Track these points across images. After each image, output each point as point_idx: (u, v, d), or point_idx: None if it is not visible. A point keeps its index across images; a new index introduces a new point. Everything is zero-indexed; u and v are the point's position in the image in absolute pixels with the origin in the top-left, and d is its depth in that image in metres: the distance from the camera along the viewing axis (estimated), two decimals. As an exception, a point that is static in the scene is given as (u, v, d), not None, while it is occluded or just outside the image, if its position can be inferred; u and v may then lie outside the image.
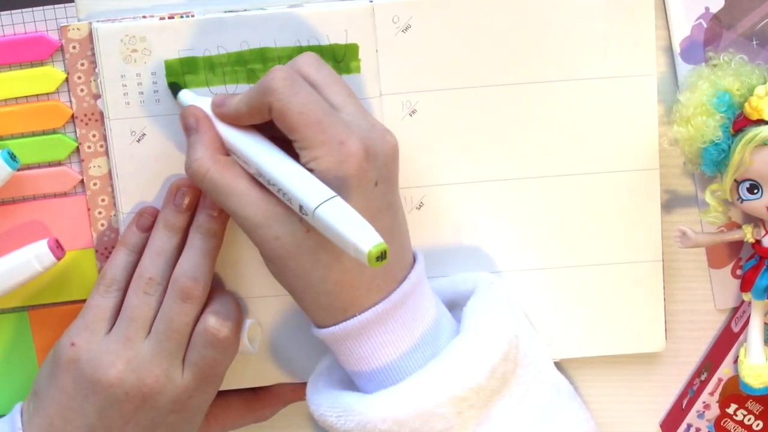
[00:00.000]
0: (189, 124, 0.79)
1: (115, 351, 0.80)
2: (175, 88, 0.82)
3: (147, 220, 0.83)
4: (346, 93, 0.78)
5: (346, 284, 0.75)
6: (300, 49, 0.82)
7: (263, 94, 0.74)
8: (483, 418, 0.77)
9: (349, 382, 0.81)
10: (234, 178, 0.76)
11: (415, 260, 0.79)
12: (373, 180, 0.75)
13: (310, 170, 0.74)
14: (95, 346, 0.80)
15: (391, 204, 0.77)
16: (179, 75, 0.82)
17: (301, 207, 0.72)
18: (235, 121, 0.78)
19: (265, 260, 0.78)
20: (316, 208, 0.71)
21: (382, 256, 0.69)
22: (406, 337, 0.77)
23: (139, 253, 0.83)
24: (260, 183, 0.76)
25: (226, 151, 0.78)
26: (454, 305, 0.83)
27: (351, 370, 0.79)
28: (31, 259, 0.82)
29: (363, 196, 0.74)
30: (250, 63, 0.82)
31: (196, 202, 0.82)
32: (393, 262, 0.77)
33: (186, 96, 0.81)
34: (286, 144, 0.76)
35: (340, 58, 0.82)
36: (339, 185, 0.73)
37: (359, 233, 0.69)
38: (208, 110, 0.79)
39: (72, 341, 0.81)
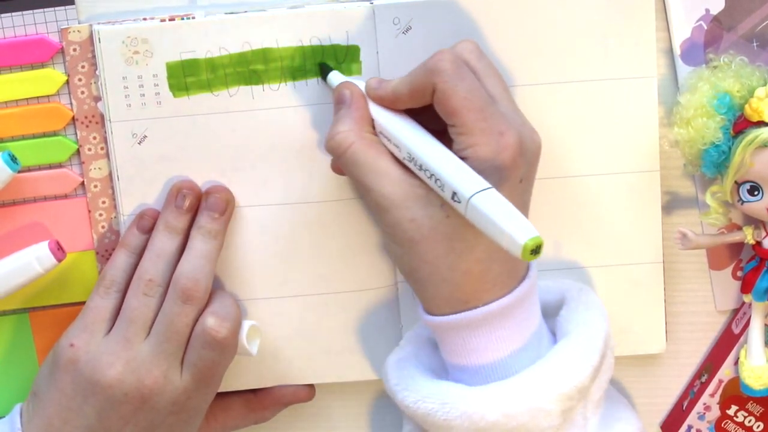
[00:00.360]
0: (343, 97, 0.78)
1: (114, 352, 0.80)
2: (325, 69, 0.82)
3: (147, 222, 0.83)
4: (503, 86, 0.77)
5: (474, 275, 0.74)
6: (302, 50, 0.82)
7: (429, 74, 0.74)
8: (578, 420, 0.77)
9: (436, 372, 0.80)
10: (377, 155, 0.75)
11: (529, 263, 0.79)
12: (520, 176, 0.75)
13: (465, 157, 0.73)
14: (94, 347, 0.80)
15: (526, 203, 0.77)
16: (181, 77, 0.82)
17: (454, 194, 0.71)
18: (391, 103, 0.77)
19: (392, 244, 0.76)
20: (472, 196, 0.70)
21: (537, 249, 0.67)
22: (519, 335, 0.76)
23: (140, 254, 0.83)
24: (402, 165, 0.75)
25: (373, 130, 0.77)
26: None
27: (456, 362, 0.78)
28: (32, 260, 0.82)
29: (509, 190, 0.73)
30: (252, 64, 0.82)
31: (197, 204, 0.82)
32: (517, 261, 0.76)
33: (336, 77, 0.81)
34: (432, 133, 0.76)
35: (342, 59, 0.82)
36: (492, 175, 0.72)
37: (516, 225, 0.68)
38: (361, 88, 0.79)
39: (71, 342, 0.81)
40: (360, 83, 0.79)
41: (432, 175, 0.73)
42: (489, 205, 0.69)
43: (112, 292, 0.82)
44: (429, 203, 0.74)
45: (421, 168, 0.74)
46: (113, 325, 0.81)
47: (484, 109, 0.73)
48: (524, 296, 0.76)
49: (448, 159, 0.73)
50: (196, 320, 0.81)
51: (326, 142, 0.77)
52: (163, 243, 0.82)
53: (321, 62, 0.82)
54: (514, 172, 0.74)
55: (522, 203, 0.76)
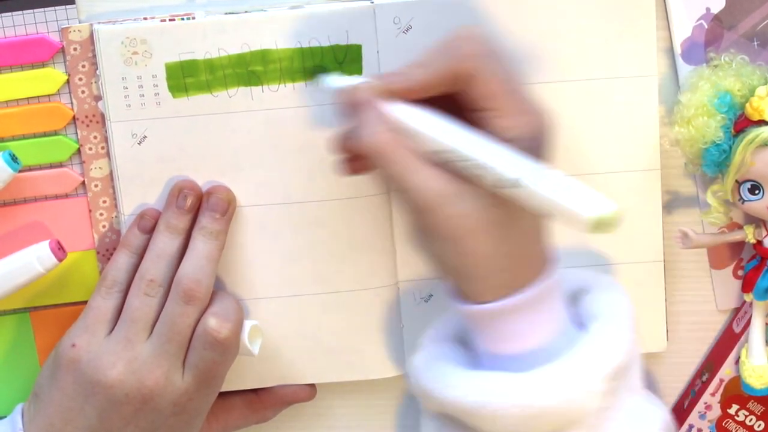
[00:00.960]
0: (361, 99, 0.75)
1: (116, 352, 0.80)
2: (320, 71, 0.81)
3: (148, 222, 0.83)
4: (512, 68, 0.76)
5: (523, 259, 0.73)
6: (301, 51, 0.82)
7: (462, 60, 0.72)
8: (616, 403, 0.75)
9: (468, 368, 0.77)
10: (410, 153, 0.72)
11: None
12: (547, 152, 0.74)
13: (509, 139, 0.71)
14: (96, 347, 0.80)
15: None
16: (180, 78, 0.82)
17: (500, 180, 0.68)
18: (415, 92, 0.74)
19: (435, 242, 0.73)
20: (532, 176, 0.67)
21: (614, 222, 0.65)
22: (559, 317, 0.75)
23: (141, 254, 0.83)
24: (434, 162, 0.73)
25: (397, 127, 0.74)
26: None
27: (498, 350, 0.75)
28: (33, 260, 0.82)
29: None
30: (251, 65, 0.82)
31: (199, 204, 0.82)
32: (548, 239, 0.75)
33: (337, 79, 0.79)
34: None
35: (341, 59, 0.82)
36: (535, 153, 0.71)
37: (587, 197, 0.66)
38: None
39: (73, 342, 0.81)
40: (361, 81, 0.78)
41: (474, 163, 0.70)
42: (554, 182, 0.67)
43: (113, 293, 0.82)
44: (475, 195, 0.71)
45: (460, 159, 0.71)
46: (115, 326, 0.81)
47: (519, 89, 0.73)
48: (560, 276, 0.75)
49: (490, 145, 0.71)
50: (198, 321, 0.81)
51: (363, 145, 0.74)
52: (165, 243, 0.82)
53: (317, 65, 0.82)
54: (545, 150, 0.73)
55: None
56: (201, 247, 0.81)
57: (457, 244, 0.72)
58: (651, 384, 0.89)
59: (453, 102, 0.74)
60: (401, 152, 0.72)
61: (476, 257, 0.72)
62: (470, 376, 0.75)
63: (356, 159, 0.79)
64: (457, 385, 0.75)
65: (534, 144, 0.72)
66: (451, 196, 0.71)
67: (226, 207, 0.83)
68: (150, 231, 0.83)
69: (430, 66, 0.74)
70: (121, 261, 0.83)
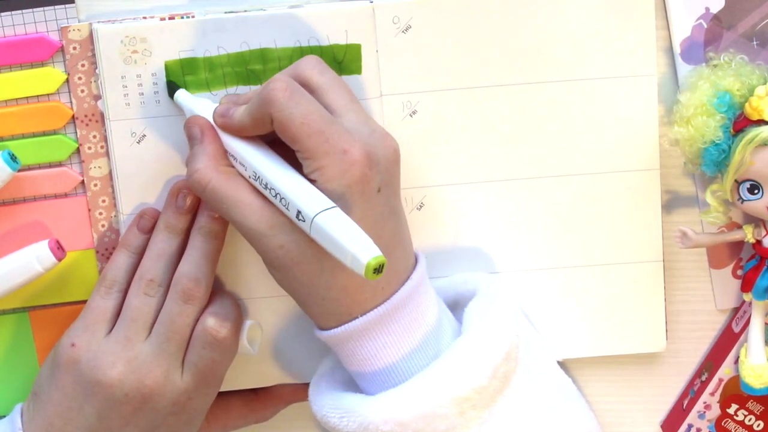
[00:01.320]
0: (193, 134, 0.79)
1: (115, 352, 0.80)
2: (172, 87, 0.82)
3: (148, 222, 0.83)
4: (348, 98, 0.77)
5: (350, 289, 0.75)
6: (301, 50, 0.82)
7: (264, 105, 0.74)
8: (486, 417, 0.77)
9: (352, 384, 0.81)
10: (236, 187, 0.76)
11: (416, 262, 0.79)
12: (376, 186, 0.75)
13: (314, 180, 0.74)
14: (95, 346, 0.80)
15: (393, 208, 0.77)
16: (179, 76, 0.82)
17: (299, 214, 0.72)
18: (239, 132, 0.78)
19: (269, 268, 0.77)
20: (315, 216, 0.71)
21: (379, 268, 0.69)
22: (408, 338, 0.77)
23: (140, 254, 0.83)
24: (262, 194, 0.76)
25: (229, 162, 0.78)
26: (456, 306, 0.83)
27: (354, 371, 0.79)
28: (32, 260, 0.82)
29: (366, 203, 0.74)
30: (251, 64, 0.82)
31: (198, 204, 0.83)
32: (396, 266, 0.77)
33: (183, 96, 0.81)
34: (291, 153, 0.76)
35: (341, 58, 0.82)
36: (342, 194, 0.73)
37: (358, 244, 0.69)
38: (208, 114, 0.79)
39: (72, 342, 0.81)
40: (208, 108, 0.80)
41: (277, 195, 0.74)
42: (332, 224, 0.71)
43: (113, 292, 0.82)
44: (292, 229, 0.74)
45: (267, 187, 0.75)
46: (114, 325, 0.81)
47: (324, 130, 0.74)
48: (406, 299, 0.77)
49: (293, 180, 0.74)
50: (197, 320, 0.81)
51: (189, 178, 0.77)
52: (164, 243, 0.82)
53: (169, 80, 0.82)
54: (366, 185, 0.74)
55: (388, 210, 0.76)
56: (200, 246, 0.81)
57: (287, 273, 0.76)
58: (650, 384, 0.90)
59: None
60: (227, 187, 0.76)
61: (306, 286, 0.76)
62: (331, 397, 0.79)
63: None
64: (321, 404, 0.80)
65: (341, 183, 0.73)
66: (272, 229, 0.75)
67: None
68: (149, 231, 0.83)
69: (248, 108, 0.76)
70: (121, 261, 0.83)
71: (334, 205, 0.72)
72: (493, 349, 0.77)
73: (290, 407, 0.90)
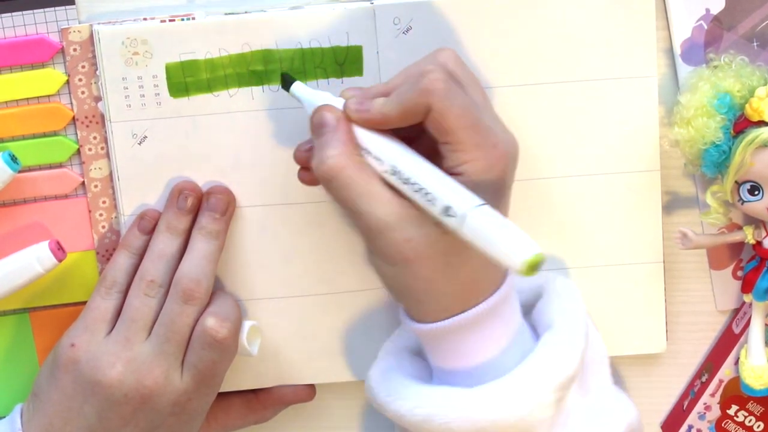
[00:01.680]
0: (326, 121, 0.76)
1: (115, 352, 0.80)
2: (287, 80, 0.79)
3: (148, 223, 0.83)
4: (483, 94, 0.77)
5: (469, 284, 0.74)
6: (302, 52, 0.82)
7: (422, 95, 0.73)
8: (567, 404, 0.77)
9: (423, 379, 0.79)
10: (368, 177, 0.74)
11: None
12: (508, 185, 0.75)
13: (459, 173, 0.73)
14: (95, 347, 0.80)
15: (508, 206, 0.77)
16: (180, 78, 0.82)
17: (448, 209, 0.70)
18: (379, 124, 0.75)
19: (385, 264, 0.75)
20: (468, 212, 0.69)
21: (537, 265, 0.67)
22: (507, 331, 0.76)
23: (140, 255, 0.83)
24: (392, 187, 0.74)
25: (360, 153, 0.75)
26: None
27: (447, 366, 0.77)
28: (33, 260, 0.82)
29: (502, 198, 0.74)
30: (252, 65, 0.82)
31: (199, 205, 0.83)
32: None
33: (301, 89, 0.79)
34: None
35: (342, 60, 0.82)
36: (488, 188, 0.73)
37: (516, 241, 0.68)
38: (337, 105, 0.77)
39: (72, 342, 0.81)
40: (334, 101, 0.77)
41: (422, 189, 0.72)
42: (487, 221, 0.69)
43: (113, 293, 0.82)
44: (424, 222, 0.73)
45: (408, 182, 0.73)
46: (114, 326, 0.81)
47: (476, 124, 0.73)
48: (508, 293, 0.76)
49: (437, 175, 0.73)
50: (197, 320, 0.81)
51: (316, 167, 0.75)
52: (165, 244, 0.82)
53: (283, 72, 0.81)
54: (506, 182, 0.75)
55: (506, 207, 0.77)
56: (200, 247, 0.81)
57: (405, 268, 0.74)
58: (650, 385, 0.90)
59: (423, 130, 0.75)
60: (360, 176, 0.74)
61: (422, 281, 0.74)
62: (420, 390, 0.77)
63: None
64: (407, 397, 0.77)
65: (489, 178, 0.73)
66: (401, 222, 0.73)
67: (226, 207, 0.83)
68: (150, 232, 0.83)
69: (396, 99, 0.74)
70: (121, 261, 0.83)
71: (484, 201, 0.70)
72: (578, 338, 0.77)
73: (290, 408, 0.90)
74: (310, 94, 0.78)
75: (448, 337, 0.76)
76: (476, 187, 0.72)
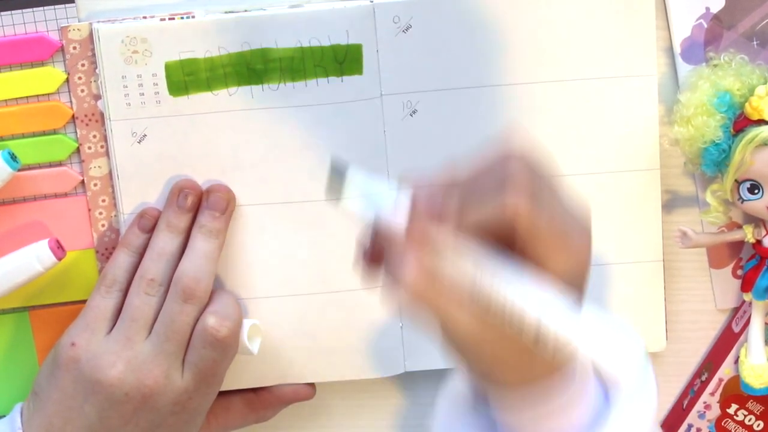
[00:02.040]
0: (430, 234, 0.64)
1: (116, 351, 0.80)
2: (338, 173, 0.65)
3: (148, 222, 0.83)
4: (551, 189, 0.66)
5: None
6: (302, 51, 0.82)
7: (505, 213, 0.63)
8: None
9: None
10: (449, 297, 0.64)
11: None
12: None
13: (545, 272, 0.64)
14: (95, 346, 0.80)
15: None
16: (180, 76, 0.82)
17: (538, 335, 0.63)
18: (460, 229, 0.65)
19: (471, 371, 0.69)
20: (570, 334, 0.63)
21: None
22: (591, 397, 0.69)
23: (141, 254, 0.83)
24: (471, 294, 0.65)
25: (433, 256, 0.65)
26: None
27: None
28: (32, 259, 0.82)
29: (583, 287, 0.67)
30: (252, 64, 0.82)
31: (199, 204, 0.83)
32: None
33: (359, 179, 0.65)
34: None
35: (342, 59, 0.82)
36: (575, 286, 0.65)
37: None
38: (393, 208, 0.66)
39: (72, 341, 0.81)
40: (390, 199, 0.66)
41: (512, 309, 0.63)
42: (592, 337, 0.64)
43: (113, 292, 0.82)
44: (505, 335, 0.64)
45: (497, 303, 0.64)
46: (114, 325, 0.81)
47: (562, 225, 0.65)
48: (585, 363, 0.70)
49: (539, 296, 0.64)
50: (197, 319, 0.81)
51: (399, 284, 0.64)
52: (165, 242, 0.82)
53: (334, 164, 0.65)
54: (587, 276, 0.67)
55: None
56: (200, 245, 0.81)
57: (492, 373, 0.67)
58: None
59: None
60: (437, 301, 0.65)
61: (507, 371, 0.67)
62: None
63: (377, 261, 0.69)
64: None
65: (574, 275, 0.65)
66: (485, 333, 0.64)
67: (225, 205, 0.83)
68: (150, 230, 0.83)
69: (478, 213, 0.64)
70: (121, 260, 0.83)
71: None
72: (650, 404, 0.70)
73: (290, 407, 0.90)
74: (370, 185, 0.66)
75: (534, 409, 0.68)
76: (566, 288, 0.64)
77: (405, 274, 0.64)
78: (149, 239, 0.83)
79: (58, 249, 0.82)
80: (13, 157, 0.82)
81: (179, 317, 0.80)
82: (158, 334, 0.80)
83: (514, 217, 0.63)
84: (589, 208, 0.67)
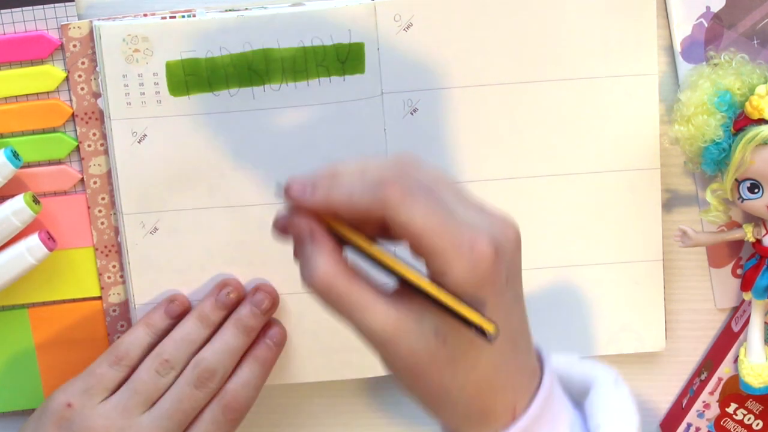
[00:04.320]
0: (302, 234, 0.67)
1: (110, 418, 0.80)
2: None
3: (177, 308, 0.83)
4: (455, 189, 0.67)
5: (485, 387, 0.67)
6: (304, 50, 0.82)
7: (377, 205, 0.64)
8: None
9: None
10: (360, 288, 0.66)
11: (541, 357, 0.71)
12: (504, 278, 0.66)
13: (442, 283, 0.64)
14: (90, 410, 0.80)
15: (518, 295, 0.69)
16: (180, 76, 0.82)
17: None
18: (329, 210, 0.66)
19: (396, 374, 0.68)
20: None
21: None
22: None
23: (161, 336, 0.83)
24: (385, 292, 0.67)
25: (345, 258, 0.67)
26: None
27: None
28: (23, 252, 0.82)
29: (497, 297, 0.66)
30: (253, 64, 0.82)
31: (237, 304, 0.83)
32: (528, 354, 0.70)
33: None
34: None
35: (344, 58, 0.82)
36: (475, 293, 0.65)
37: None
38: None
39: (69, 401, 0.80)
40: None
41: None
42: None
43: (122, 365, 0.82)
44: (422, 333, 0.66)
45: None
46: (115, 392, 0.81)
47: (446, 223, 0.64)
48: (552, 389, 0.70)
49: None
50: (205, 405, 0.81)
51: (305, 283, 0.67)
52: (192, 330, 0.82)
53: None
54: (497, 279, 0.65)
55: (515, 298, 0.68)
56: (229, 339, 0.82)
57: (415, 379, 0.67)
58: (649, 383, 0.90)
59: None
60: (345, 290, 0.66)
61: (437, 390, 0.68)
62: None
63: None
64: None
65: (473, 282, 0.64)
66: (399, 334, 0.66)
67: (269, 307, 0.84)
68: (177, 317, 0.83)
69: (352, 201, 0.65)
70: (140, 336, 0.83)
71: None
72: None
73: (288, 406, 0.90)
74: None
75: None
76: (462, 293, 0.64)
77: (312, 264, 0.66)
78: (173, 325, 0.83)
79: (49, 240, 0.83)
80: (15, 155, 0.82)
81: (188, 400, 0.80)
82: (161, 409, 0.80)
83: (386, 208, 0.64)
84: (509, 218, 0.67)
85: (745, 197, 0.81)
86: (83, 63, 0.83)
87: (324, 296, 0.67)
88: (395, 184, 0.64)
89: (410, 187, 0.64)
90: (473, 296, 0.64)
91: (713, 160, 0.81)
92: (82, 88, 0.84)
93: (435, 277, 0.64)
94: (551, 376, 0.70)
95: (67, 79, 0.84)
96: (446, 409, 0.68)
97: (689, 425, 0.88)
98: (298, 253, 0.68)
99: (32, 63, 0.84)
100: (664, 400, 0.90)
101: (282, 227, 0.67)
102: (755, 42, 0.84)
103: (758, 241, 0.83)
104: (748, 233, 0.83)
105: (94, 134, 0.84)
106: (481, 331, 0.64)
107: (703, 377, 0.88)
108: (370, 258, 0.66)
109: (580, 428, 0.71)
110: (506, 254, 0.66)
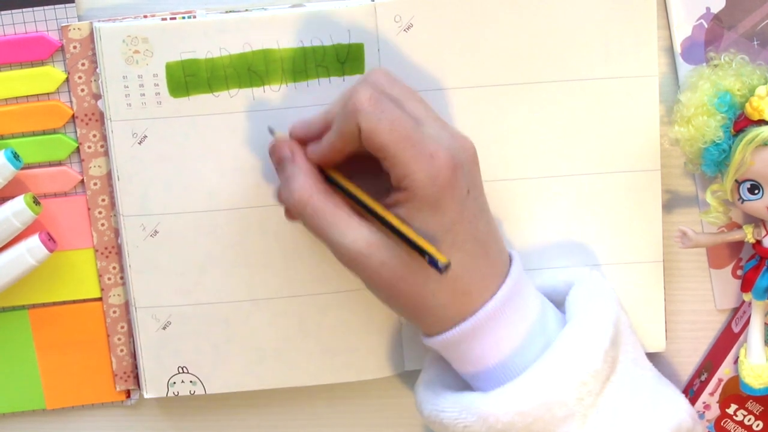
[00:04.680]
0: (284, 155, 0.78)
1: None
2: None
3: None
4: (423, 106, 0.77)
5: (458, 291, 0.75)
6: (303, 51, 0.82)
7: (350, 117, 0.73)
8: (599, 403, 0.76)
9: (460, 388, 0.80)
10: (334, 206, 0.76)
11: (511, 257, 0.79)
12: (465, 188, 0.75)
13: (404, 188, 0.73)
14: None
15: (482, 207, 0.77)
16: (180, 77, 0.82)
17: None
18: (330, 155, 0.76)
19: (372, 288, 0.77)
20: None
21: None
22: (517, 330, 0.77)
23: None
24: (359, 210, 0.76)
25: (325, 181, 0.78)
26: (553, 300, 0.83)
27: (467, 373, 0.79)
28: (24, 253, 0.83)
29: (459, 206, 0.74)
30: (253, 65, 0.82)
31: None
32: (494, 262, 0.77)
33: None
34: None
35: (344, 58, 0.82)
36: (437, 199, 0.73)
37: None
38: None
39: None
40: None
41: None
42: None
43: None
44: (391, 245, 0.75)
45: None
46: None
47: (411, 135, 0.73)
48: (510, 292, 0.77)
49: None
50: None
51: (285, 202, 0.77)
52: None
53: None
54: (457, 188, 0.74)
55: (478, 210, 0.76)
56: None
57: (391, 290, 0.76)
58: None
59: None
60: (321, 205, 0.76)
61: (413, 298, 0.76)
62: (447, 396, 0.78)
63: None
64: (436, 402, 0.78)
65: (433, 189, 0.73)
66: (371, 248, 0.75)
67: None
68: None
69: (334, 128, 0.75)
70: None
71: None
72: (603, 333, 0.77)
73: (289, 407, 0.90)
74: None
75: (457, 346, 0.77)
76: (423, 198, 0.73)
77: (292, 183, 0.76)
78: None
79: (50, 241, 0.83)
80: (15, 156, 0.82)
81: None
82: None
83: (356, 116, 0.73)
84: (468, 138, 0.77)
85: (745, 198, 0.81)
86: (83, 64, 0.83)
87: (301, 211, 0.76)
88: (365, 96, 0.73)
89: (379, 97, 0.73)
90: (435, 202, 0.73)
91: (713, 161, 0.81)
92: (83, 90, 0.84)
93: (399, 186, 0.73)
94: (514, 279, 0.77)
95: (67, 80, 0.84)
96: (424, 315, 0.76)
97: (689, 426, 0.88)
98: (280, 173, 0.77)
99: (32, 64, 0.84)
100: (664, 401, 0.90)
101: (270, 152, 0.78)
102: (755, 43, 0.84)
103: (758, 242, 0.83)
104: (748, 234, 0.83)
105: (95, 135, 0.84)
106: (434, 264, 0.72)
107: (703, 378, 0.88)
108: (350, 195, 0.76)
109: (554, 323, 0.78)
110: (464, 166, 0.75)
